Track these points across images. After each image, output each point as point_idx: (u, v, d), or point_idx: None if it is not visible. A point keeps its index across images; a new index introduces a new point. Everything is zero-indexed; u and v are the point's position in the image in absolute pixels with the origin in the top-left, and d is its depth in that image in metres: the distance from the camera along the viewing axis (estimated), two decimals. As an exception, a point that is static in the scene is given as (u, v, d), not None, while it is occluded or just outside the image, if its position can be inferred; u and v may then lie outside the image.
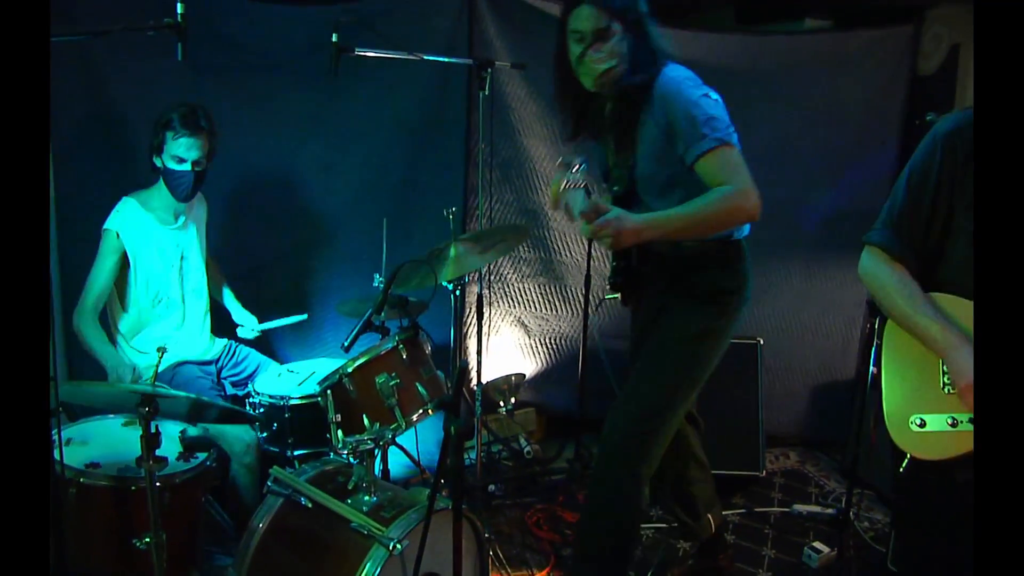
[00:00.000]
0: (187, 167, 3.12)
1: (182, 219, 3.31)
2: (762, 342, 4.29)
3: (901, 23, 4.58)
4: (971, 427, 2.02)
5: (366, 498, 2.55)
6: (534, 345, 4.76)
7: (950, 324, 2.05)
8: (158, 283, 3.23)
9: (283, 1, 3.73)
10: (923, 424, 2.11)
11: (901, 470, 2.13)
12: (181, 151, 3.09)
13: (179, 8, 2.23)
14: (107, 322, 3.24)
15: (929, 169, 2.11)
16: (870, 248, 2.25)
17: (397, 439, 3.13)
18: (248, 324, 3.60)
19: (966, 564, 2.12)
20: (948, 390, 2.09)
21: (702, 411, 3.30)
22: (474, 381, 3.76)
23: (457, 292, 3.33)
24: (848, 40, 4.69)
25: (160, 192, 3.21)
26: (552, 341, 4.76)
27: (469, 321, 4.49)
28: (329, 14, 3.57)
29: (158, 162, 3.14)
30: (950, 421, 2.08)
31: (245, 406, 3.14)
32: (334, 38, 3.08)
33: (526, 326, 4.72)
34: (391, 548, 2.33)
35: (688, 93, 2.49)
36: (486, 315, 4.42)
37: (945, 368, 2.08)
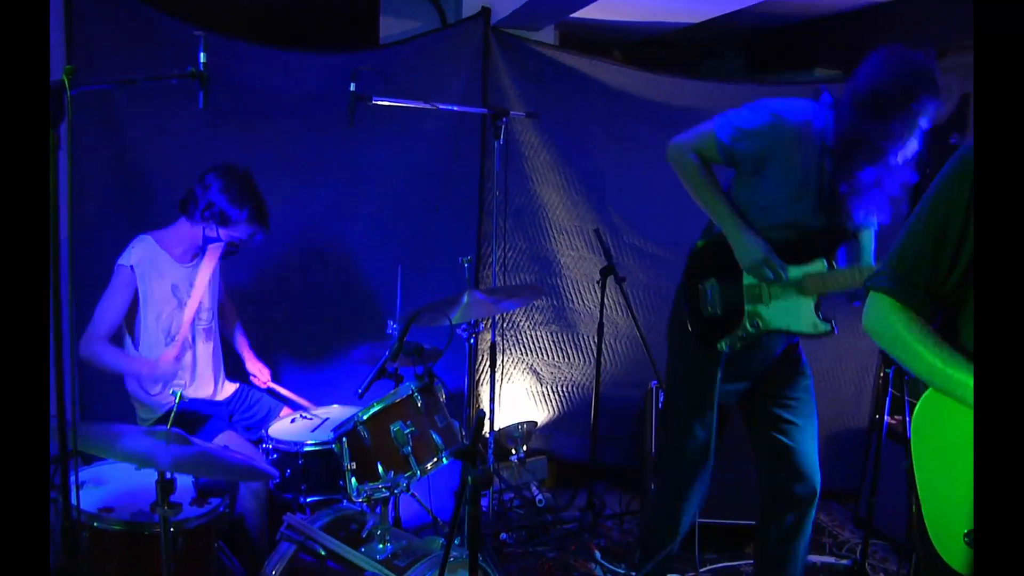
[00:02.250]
0: (234, 242, 3.27)
1: (199, 259, 3.33)
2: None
3: (912, 73, 4.63)
4: None
5: (380, 546, 2.54)
6: (546, 393, 4.75)
7: None
8: (169, 321, 3.25)
9: (300, 49, 3.80)
10: None
11: None
12: (242, 237, 3.25)
13: (201, 57, 2.26)
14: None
15: (957, 199, 1.79)
16: (877, 296, 1.94)
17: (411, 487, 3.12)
18: (261, 375, 3.61)
19: None
20: None
21: (716, 460, 3.28)
22: (487, 429, 3.75)
23: (472, 340, 3.33)
24: (859, 90, 4.72)
25: (179, 232, 3.23)
26: (564, 389, 4.75)
27: (482, 369, 4.49)
28: (346, 62, 3.63)
29: (209, 218, 3.18)
30: None
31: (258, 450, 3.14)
32: (352, 87, 3.12)
33: (538, 374, 4.71)
34: (405, 598, 2.31)
35: None
36: (499, 362, 4.43)
37: None
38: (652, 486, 3.15)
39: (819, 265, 2.76)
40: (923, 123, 2.57)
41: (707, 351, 2.92)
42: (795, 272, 2.78)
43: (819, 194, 2.70)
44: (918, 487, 1.84)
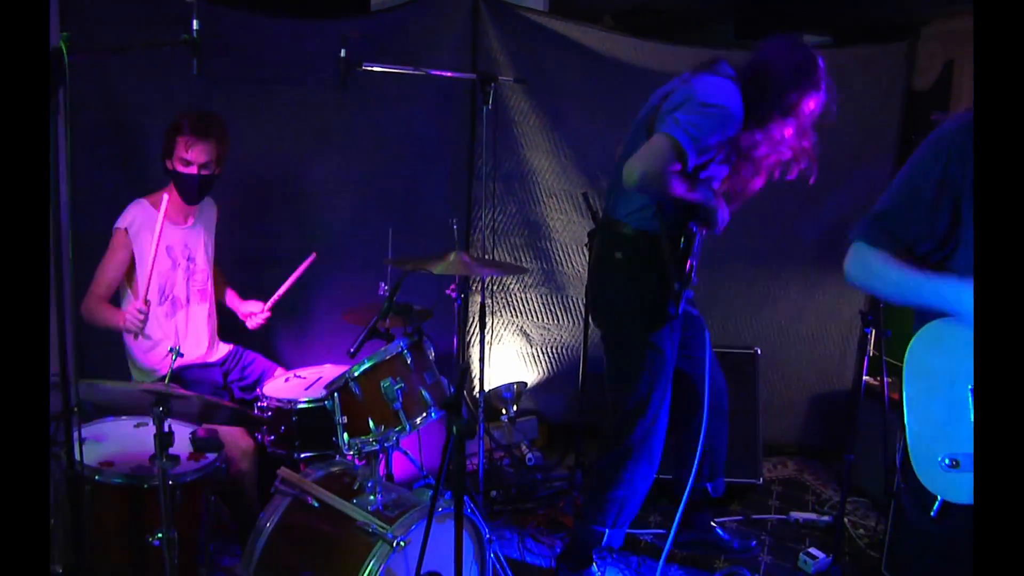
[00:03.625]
0: (194, 171, 3.21)
1: (192, 220, 3.39)
2: (759, 351, 4.36)
3: (896, 40, 4.68)
4: None
5: (371, 498, 2.64)
6: (536, 354, 4.84)
7: (964, 281, 1.89)
8: (164, 280, 3.32)
9: (292, 16, 3.84)
10: (954, 464, 1.92)
11: (933, 513, 1.94)
12: (189, 155, 3.19)
13: (195, 24, 2.32)
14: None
15: (934, 162, 1.98)
16: (857, 244, 2.13)
17: (402, 444, 3.20)
18: (257, 311, 3.64)
19: None
20: None
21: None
22: (477, 389, 3.84)
23: (459, 301, 3.40)
24: (844, 56, 4.77)
25: (171, 194, 3.28)
26: (553, 350, 4.84)
27: (472, 330, 4.57)
28: (337, 29, 3.67)
29: (169, 165, 3.23)
30: None
31: (253, 410, 3.22)
32: (342, 53, 3.17)
33: (528, 335, 4.80)
34: (395, 545, 2.41)
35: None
36: (489, 324, 4.51)
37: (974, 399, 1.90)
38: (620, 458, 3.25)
39: None
40: (804, 108, 2.92)
41: (671, 319, 3.08)
42: None
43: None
44: (905, 419, 2.00)
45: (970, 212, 1.93)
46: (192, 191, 3.27)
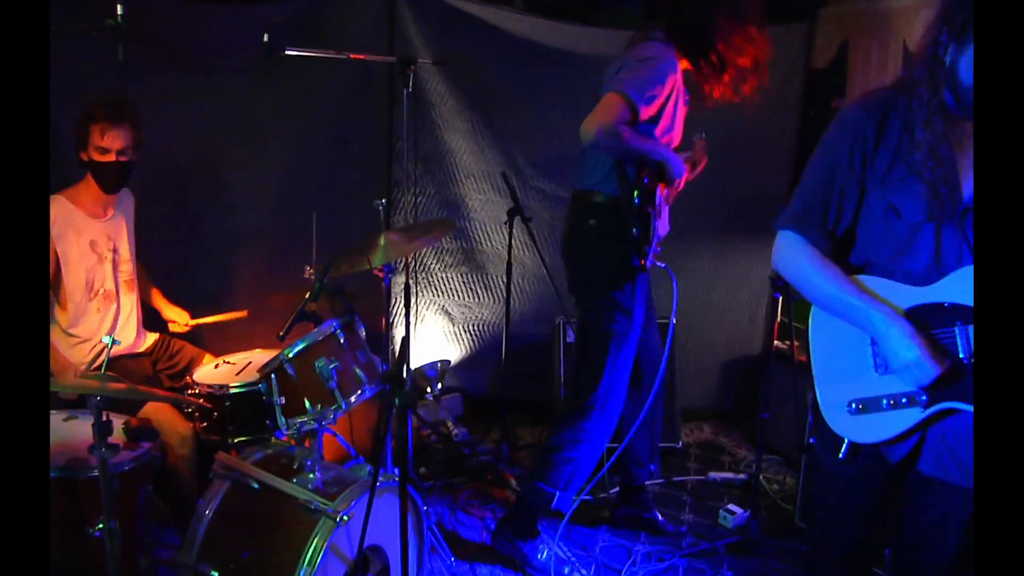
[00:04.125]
0: (112, 158, 3.16)
1: (112, 212, 3.36)
2: (674, 321, 4.52)
3: (796, 21, 4.88)
4: (908, 407, 2.05)
5: (311, 476, 2.69)
6: (458, 332, 4.93)
7: (877, 302, 2.05)
8: (91, 276, 3.28)
9: (215, 1, 3.81)
10: (861, 408, 2.11)
11: (842, 455, 2.13)
12: (105, 142, 3.13)
13: (119, 9, 2.31)
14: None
15: (840, 149, 2.11)
16: (784, 233, 2.21)
17: (332, 430, 3.25)
18: (180, 319, 3.66)
19: (874, 517, 2.28)
20: (881, 372, 2.08)
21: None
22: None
23: (387, 281, 3.45)
24: (747, 35, 4.95)
25: (88, 186, 3.24)
26: (475, 328, 4.93)
27: (396, 311, 4.62)
28: (256, 14, 3.67)
29: (84, 156, 3.18)
30: (887, 402, 2.07)
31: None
32: (265, 38, 3.17)
33: (450, 314, 4.88)
34: (338, 519, 2.47)
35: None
36: (412, 304, 4.58)
37: (875, 350, 2.09)
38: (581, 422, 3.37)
39: None
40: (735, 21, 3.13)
41: (637, 276, 3.27)
42: None
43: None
44: (813, 370, 2.19)
45: (873, 191, 2.09)
46: (111, 180, 3.22)
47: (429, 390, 4.64)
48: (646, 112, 3.00)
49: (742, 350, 5.11)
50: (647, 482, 3.88)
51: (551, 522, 3.62)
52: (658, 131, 3.17)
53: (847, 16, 4.65)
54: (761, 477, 4.13)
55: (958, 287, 2.01)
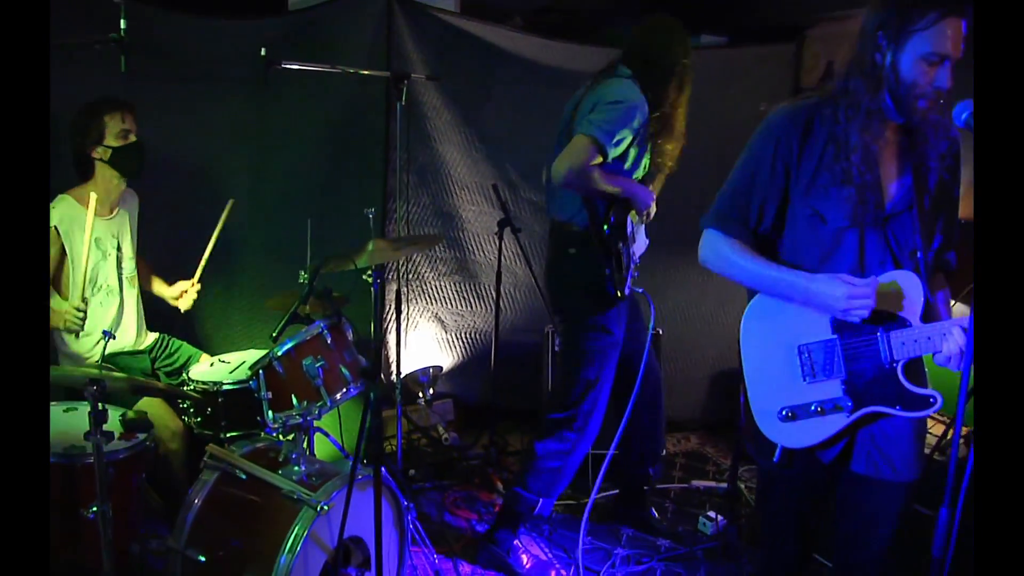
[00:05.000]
0: (134, 139, 3.35)
1: (116, 210, 3.51)
2: (662, 332, 4.64)
3: (785, 41, 5.03)
4: (835, 412, 2.18)
5: (296, 468, 2.82)
6: (451, 340, 5.05)
7: (794, 271, 2.19)
8: (98, 272, 3.42)
9: (215, 15, 3.97)
10: (790, 415, 2.22)
11: (775, 459, 2.26)
12: (127, 124, 3.33)
13: (122, 24, 2.46)
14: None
15: (764, 154, 2.22)
16: (708, 231, 2.37)
17: (323, 428, 3.37)
18: (183, 288, 3.76)
19: (813, 510, 2.44)
20: (809, 380, 2.21)
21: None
22: (394, 374, 4.03)
23: (375, 286, 3.57)
24: (739, 56, 5.13)
25: (96, 187, 3.37)
26: (467, 336, 5.06)
27: (389, 317, 4.75)
28: (258, 27, 3.81)
29: (98, 152, 3.33)
30: (815, 408, 2.20)
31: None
32: (263, 52, 3.30)
33: (443, 322, 5.01)
34: (318, 509, 2.59)
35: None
36: (405, 312, 4.71)
37: (803, 359, 2.22)
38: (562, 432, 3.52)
39: None
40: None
41: (617, 303, 3.41)
42: None
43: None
44: (745, 380, 2.33)
45: (796, 193, 2.21)
46: (136, 161, 3.40)
47: (421, 395, 4.76)
48: (614, 153, 3.21)
49: (730, 362, 5.21)
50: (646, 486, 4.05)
51: (534, 519, 3.76)
52: (626, 166, 3.37)
53: (833, 37, 4.80)
54: (742, 486, 4.24)
55: (880, 295, 2.11)
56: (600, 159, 3.16)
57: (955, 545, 1.84)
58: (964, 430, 3.21)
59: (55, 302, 3.36)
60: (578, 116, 3.27)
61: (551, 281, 3.63)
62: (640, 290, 3.52)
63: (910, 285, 2.14)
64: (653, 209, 3.47)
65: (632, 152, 3.35)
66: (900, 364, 2.14)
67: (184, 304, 3.76)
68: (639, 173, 3.46)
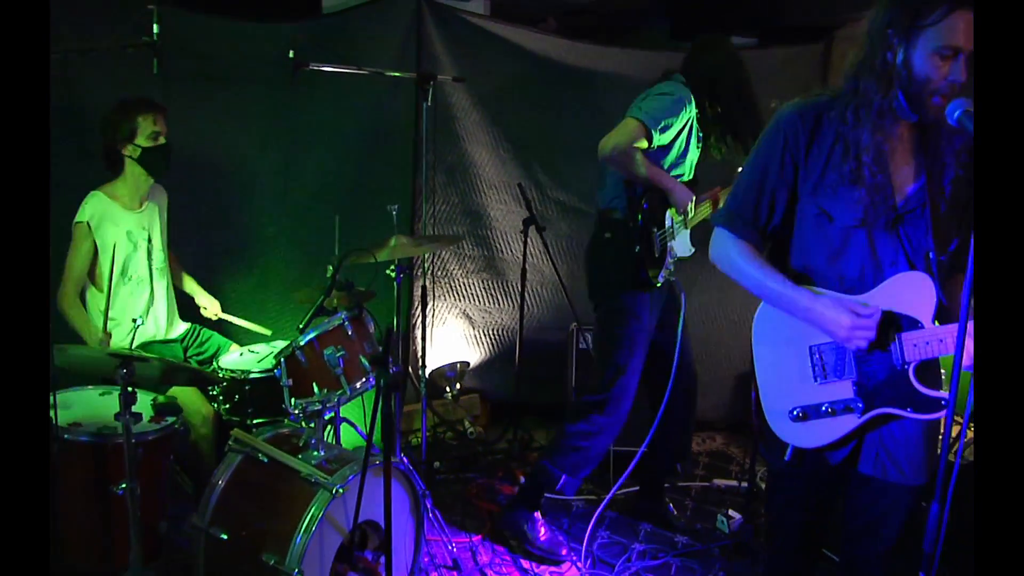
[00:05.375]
0: (163, 140, 3.50)
1: (145, 204, 3.65)
2: (681, 329, 4.66)
3: (814, 41, 5.06)
4: (845, 414, 2.19)
5: (315, 453, 2.94)
6: (478, 336, 5.15)
7: (799, 287, 2.17)
8: (129, 263, 3.58)
9: (247, 18, 4.11)
10: (801, 415, 2.23)
11: (786, 458, 2.28)
12: (158, 127, 3.48)
13: (155, 28, 2.59)
14: (85, 303, 3.56)
15: (772, 152, 2.21)
16: (718, 230, 2.35)
17: (349, 419, 3.48)
18: (211, 307, 3.95)
19: (821, 507, 2.46)
20: (820, 381, 2.22)
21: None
22: (421, 368, 4.13)
23: (398, 280, 3.67)
24: (769, 56, 5.16)
25: (125, 182, 3.54)
26: (495, 332, 5.16)
27: (416, 313, 4.87)
28: (290, 30, 3.94)
29: (128, 150, 3.48)
30: (825, 409, 2.20)
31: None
32: (291, 54, 3.42)
33: (470, 318, 5.11)
34: (334, 492, 2.70)
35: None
36: (432, 307, 4.81)
37: (817, 360, 2.23)
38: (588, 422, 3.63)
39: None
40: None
41: (648, 290, 3.54)
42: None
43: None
44: (757, 381, 2.33)
45: (804, 191, 2.22)
46: (163, 162, 3.55)
47: (448, 390, 4.87)
48: (659, 139, 3.35)
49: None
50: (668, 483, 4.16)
51: (555, 511, 3.86)
52: (667, 161, 3.51)
53: (861, 37, 4.81)
54: (763, 485, 4.27)
55: (891, 296, 2.13)
56: (645, 143, 3.32)
57: (945, 540, 1.84)
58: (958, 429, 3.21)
59: (91, 296, 3.51)
60: (631, 107, 3.44)
61: (589, 265, 3.76)
62: (675, 279, 3.64)
63: (923, 286, 2.12)
64: (691, 212, 3.51)
65: (677, 145, 3.50)
66: (912, 366, 2.12)
67: (205, 313, 3.94)
68: (683, 170, 3.60)
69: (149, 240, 3.66)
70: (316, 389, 3.03)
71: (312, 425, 3.03)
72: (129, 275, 3.59)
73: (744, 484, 4.48)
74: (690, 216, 3.46)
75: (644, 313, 3.56)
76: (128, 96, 3.48)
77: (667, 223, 3.54)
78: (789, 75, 5.02)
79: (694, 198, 3.49)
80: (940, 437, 2.42)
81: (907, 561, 2.42)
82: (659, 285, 3.52)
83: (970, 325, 1.82)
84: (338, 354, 3.00)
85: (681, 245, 3.59)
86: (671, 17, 6.16)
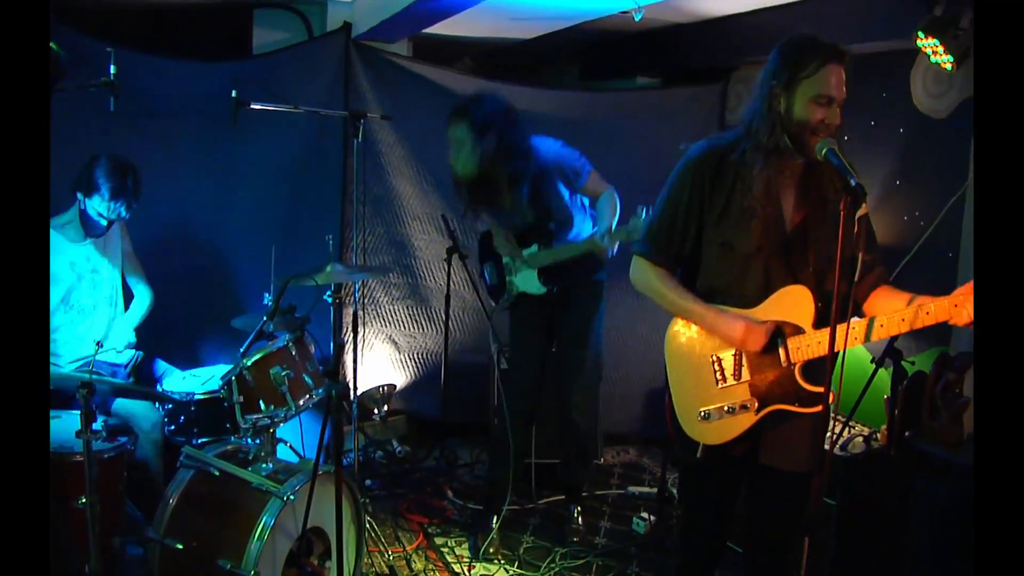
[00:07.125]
0: (104, 222, 3.69)
1: (92, 238, 3.79)
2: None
3: (712, 82, 5.49)
4: (744, 411, 2.50)
5: (264, 466, 3.14)
6: (404, 360, 5.39)
7: (705, 305, 2.49)
8: (71, 294, 3.72)
9: (184, 57, 4.31)
10: (706, 416, 2.53)
11: (699, 455, 2.57)
12: (105, 212, 3.65)
13: (112, 69, 2.80)
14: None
15: (682, 190, 2.50)
16: (636, 257, 2.65)
17: (285, 437, 3.66)
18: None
19: (728, 500, 2.78)
20: (721, 385, 2.51)
21: (548, 412, 4.25)
22: (351, 392, 4.34)
23: (332, 307, 3.88)
24: (671, 95, 5.58)
25: (70, 215, 3.70)
26: (419, 356, 5.40)
27: (347, 339, 5.06)
28: (225, 70, 4.16)
29: (81, 198, 3.64)
30: (727, 409, 2.50)
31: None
32: (234, 93, 3.60)
33: (396, 343, 5.34)
34: (285, 499, 2.92)
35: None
36: (361, 333, 5.02)
37: (717, 367, 2.52)
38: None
39: (533, 248, 3.95)
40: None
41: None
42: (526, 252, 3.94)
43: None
44: (670, 386, 2.64)
45: (710, 228, 2.52)
46: (98, 232, 3.75)
47: (376, 411, 5.08)
48: None
49: (664, 380, 5.53)
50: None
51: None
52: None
53: (753, 79, 5.23)
54: (674, 490, 4.59)
55: (778, 307, 2.48)
56: None
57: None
58: (867, 429, 3.57)
59: None
60: None
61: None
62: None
63: (803, 298, 2.46)
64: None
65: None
66: (796, 366, 2.46)
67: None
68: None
69: (94, 271, 3.80)
70: (263, 405, 3.23)
71: (259, 441, 3.22)
72: (71, 303, 3.73)
73: (656, 489, 4.79)
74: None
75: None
76: (117, 163, 3.64)
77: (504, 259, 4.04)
78: (690, 112, 5.43)
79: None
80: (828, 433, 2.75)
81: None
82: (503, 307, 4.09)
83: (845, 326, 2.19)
84: (283, 373, 3.21)
85: (524, 282, 4.03)
86: (580, 59, 6.52)
